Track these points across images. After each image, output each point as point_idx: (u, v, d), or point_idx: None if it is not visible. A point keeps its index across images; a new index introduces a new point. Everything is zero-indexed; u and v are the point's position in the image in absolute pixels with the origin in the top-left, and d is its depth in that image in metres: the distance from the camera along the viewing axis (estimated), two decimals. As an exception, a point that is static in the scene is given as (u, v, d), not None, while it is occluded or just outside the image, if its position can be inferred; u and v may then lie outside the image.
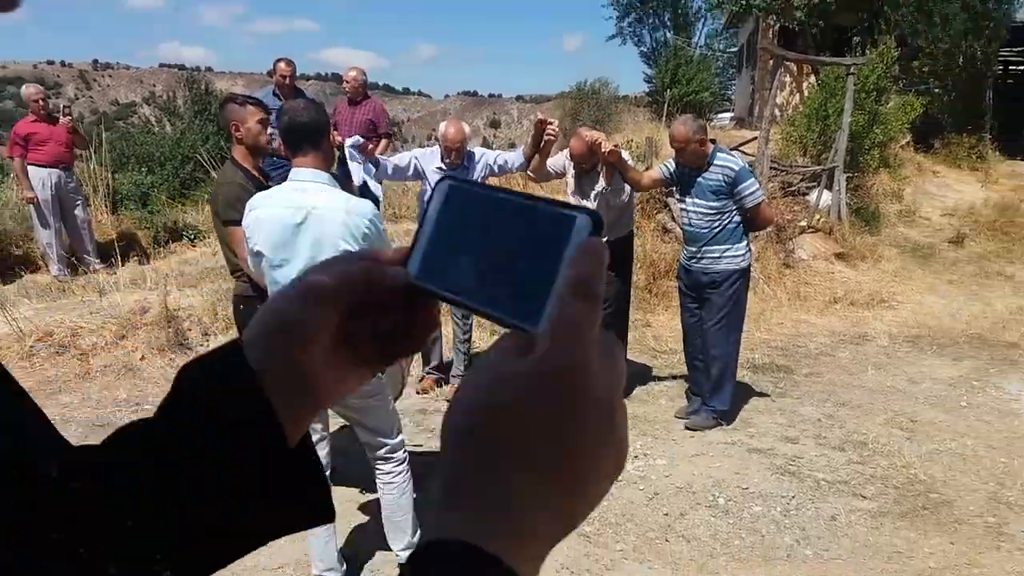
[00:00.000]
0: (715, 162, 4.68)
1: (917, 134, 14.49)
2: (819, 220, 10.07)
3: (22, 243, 8.75)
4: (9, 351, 5.64)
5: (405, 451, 3.16)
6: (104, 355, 5.71)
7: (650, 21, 30.62)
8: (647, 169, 5.45)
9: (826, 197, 10.38)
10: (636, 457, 4.50)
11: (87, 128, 10.84)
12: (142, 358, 5.69)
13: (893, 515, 3.89)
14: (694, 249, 4.86)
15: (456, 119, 5.22)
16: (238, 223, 3.34)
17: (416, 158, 5.08)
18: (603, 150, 4.75)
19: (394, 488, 3.10)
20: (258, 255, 2.83)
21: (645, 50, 30.58)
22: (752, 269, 5.12)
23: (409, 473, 3.15)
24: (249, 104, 3.62)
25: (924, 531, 3.74)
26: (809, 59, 13.06)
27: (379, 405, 3.04)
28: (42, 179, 7.51)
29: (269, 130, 3.69)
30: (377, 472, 3.13)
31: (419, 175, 5.08)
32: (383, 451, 3.08)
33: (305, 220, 2.69)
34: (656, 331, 7.01)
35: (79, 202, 7.80)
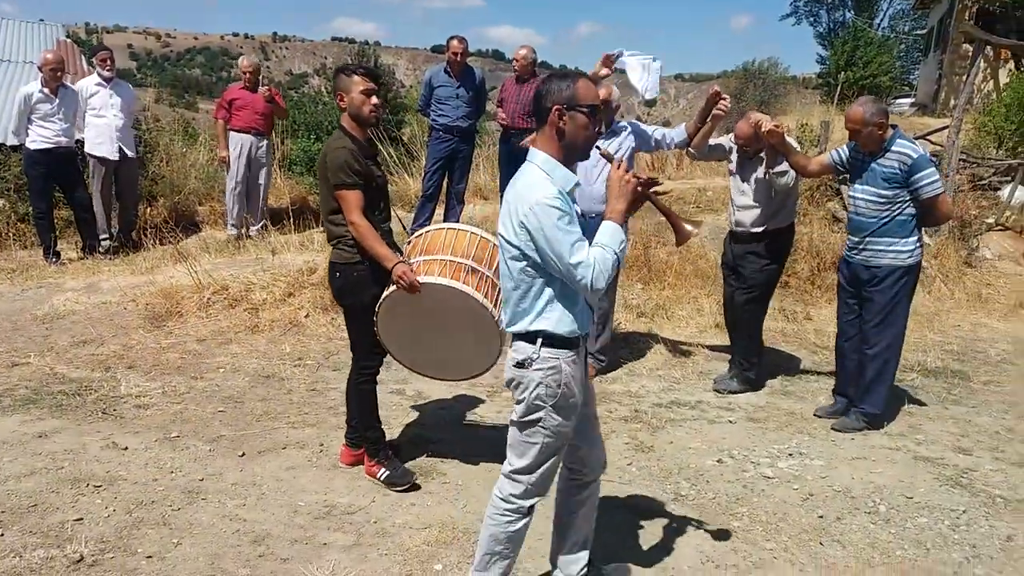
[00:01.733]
0: (892, 148, 4.35)
1: None
2: (1009, 217, 9.23)
3: (205, 201, 9.46)
4: (189, 301, 6.10)
5: (523, 501, 2.68)
6: (272, 310, 6.06)
7: (829, 0, 29.04)
8: (819, 155, 5.15)
9: (1020, 193, 9.49)
10: (791, 455, 4.30)
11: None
12: (307, 315, 6.00)
13: (1081, 544, 3.52)
14: (857, 239, 4.56)
15: (607, 84, 5.22)
16: (349, 187, 3.42)
17: None
18: (763, 129, 4.55)
19: (488, 521, 2.75)
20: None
21: (821, 30, 29.05)
22: (926, 267, 4.74)
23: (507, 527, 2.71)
24: (356, 75, 3.53)
25: (1118, 565, 3.35)
26: (1016, 44, 11.94)
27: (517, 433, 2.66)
28: (236, 142, 8.06)
29: (375, 100, 3.58)
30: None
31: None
32: (504, 468, 2.73)
33: (506, 201, 2.56)
34: (817, 325, 6.67)
35: (264, 168, 8.28)
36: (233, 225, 8.19)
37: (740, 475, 4.05)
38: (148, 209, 8.74)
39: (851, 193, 4.62)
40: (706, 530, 3.47)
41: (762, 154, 4.87)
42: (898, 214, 4.39)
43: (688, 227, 2.67)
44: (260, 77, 8.40)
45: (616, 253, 2.45)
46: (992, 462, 4.33)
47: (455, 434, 4.44)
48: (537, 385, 2.53)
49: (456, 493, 3.72)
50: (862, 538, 3.49)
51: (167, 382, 4.96)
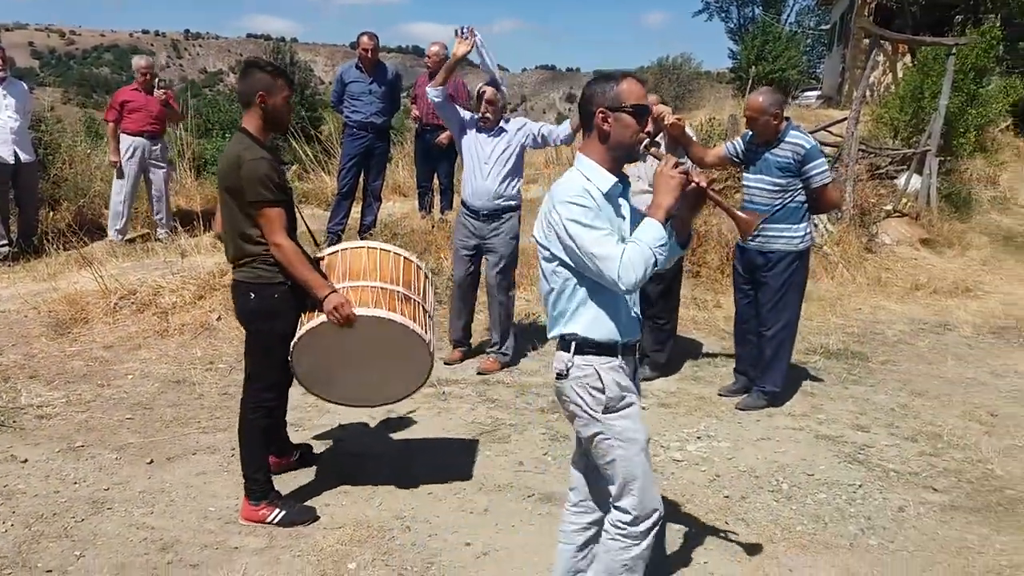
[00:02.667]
0: (786, 139, 4.55)
1: (1019, 118, 13.74)
2: (906, 204, 9.69)
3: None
4: (95, 307, 5.91)
5: (634, 527, 2.50)
6: (182, 314, 5.93)
7: (739, -3, 29.86)
8: (715, 147, 5.33)
9: (915, 181, 9.98)
10: (699, 438, 4.45)
11: (176, 94, 11.20)
12: (219, 318, 5.89)
13: (965, 510, 3.75)
14: None
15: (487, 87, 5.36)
16: (272, 203, 3.13)
17: (465, 116, 5.35)
18: (666, 122, 4.68)
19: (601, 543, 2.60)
20: None
21: (732, 26, 29.85)
22: (829, 253, 4.97)
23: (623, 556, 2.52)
24: (281, 79, 3.27)
25: (997, 528, 3.59)
26: (910, 39, 12.53)
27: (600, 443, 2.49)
28: (127, 146, 7.80)
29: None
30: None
31: (460, 126, 5.32)
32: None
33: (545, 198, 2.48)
34: (727, 312, 6.86)
35: (161, 171, 8.04)
36: (118, 231, 7.91)
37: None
38: (51, 214, 8.40)
39: (745, 182, 4.81)
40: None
41: (658, 140, 5.00)
42: (790, 201, 4.60)
43: (747, 217, 2.64)
44: (156, 81, 8.15)
45: (651, 249, 2.30)
46: (888, 438, 4.56)
47: (368, 434, 4.44)
48: (579, 396, 2.42)
49: (371, 493, 3.72)
50: (765, 515, 3.64)
51: (72, 391, 4.80)
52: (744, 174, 4.84)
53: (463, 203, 5.36)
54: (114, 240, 7.81)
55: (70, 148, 9.34)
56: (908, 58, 16.00)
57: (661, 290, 5.23)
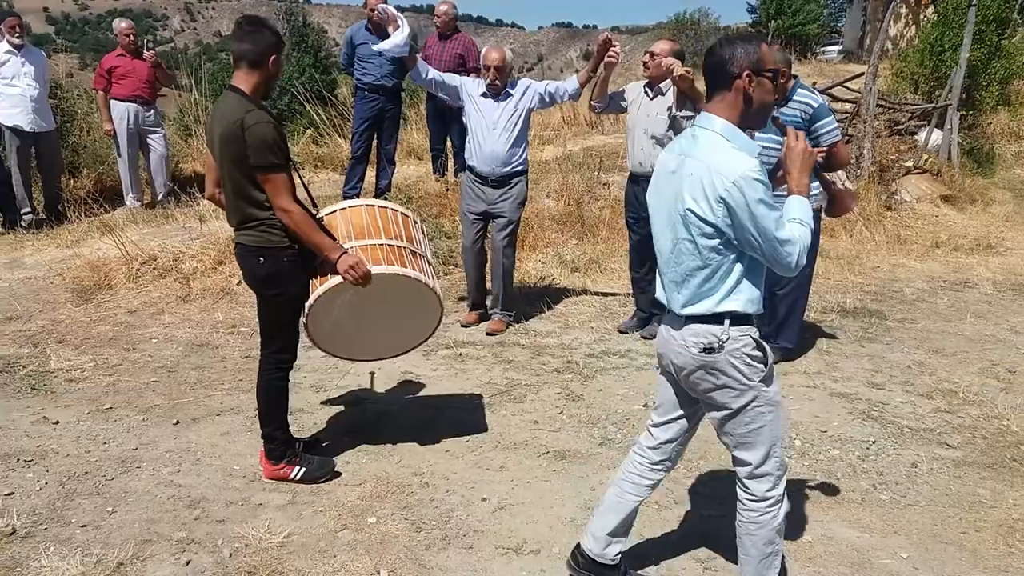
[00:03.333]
0: (794, 97, 4.51)
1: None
2: (927, 161, 9.56)
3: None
4: (118, 273, 6.01)
5: (777, 489, 2.50)
6: (203, 279, 6.02)
7: (757, -52, 29.19)
8: None
9: (936, 136, 9.83)
10: (714, 395, 4.49)
11: (190, 58, 11.17)
12: (239, 283, 5.96)
13: (979, 465, 3.78)
14: None
15: (499, 46, 5.29)
16: (279, 168, 3.11)
17: (463, 83, 5.28)
18: (676, 74, 4.65)
19: (749, 527, 2.54)
20: None
21: (750, -21, 29.21)
22: (853, 213, 4.95)
23: (775, 522, 2.50)
24: (281, 41, 3.23)
25: (1011, 483, 3.62)
26: (927, -12, 12.19)
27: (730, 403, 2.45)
28: (120, 112, 7.75)
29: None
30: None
31: (459, 97, 5.26)
32: (742, 473, 2.55)
33: (677, 169, 2.37)
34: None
35: (158, 136, 8.03)
36: (134, 197, 7.97)
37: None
38: (71, 181, 8.49)
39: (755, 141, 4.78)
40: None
41: (663, 91, 4.98)
42: None
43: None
44: (143, 41, 8.11)
45: (809, 229, 2.33)
46: (903, 395, 4.58)
47: (388, 394, 4.52)
48: (735, 367, 2.38)
49: (391, 450, 3.81)
50: (778, 471, 3.68)
51: (98, 355, 4.92)
52: (754, 132, 4.82)
53: (470, 168, 5.36)
54: (132, 208, 7.87)
55: (87, 115, 9.39)
56: (931, 10, 15.64)
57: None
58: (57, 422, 3.98)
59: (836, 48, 22.63)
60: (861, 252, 7.61)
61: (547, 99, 5.26)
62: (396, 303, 3.49)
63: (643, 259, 5.27)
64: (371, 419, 4.15)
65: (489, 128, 5.15)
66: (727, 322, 2.36)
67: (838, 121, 8.27)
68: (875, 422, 4.21)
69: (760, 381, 2.40)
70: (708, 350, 2.38)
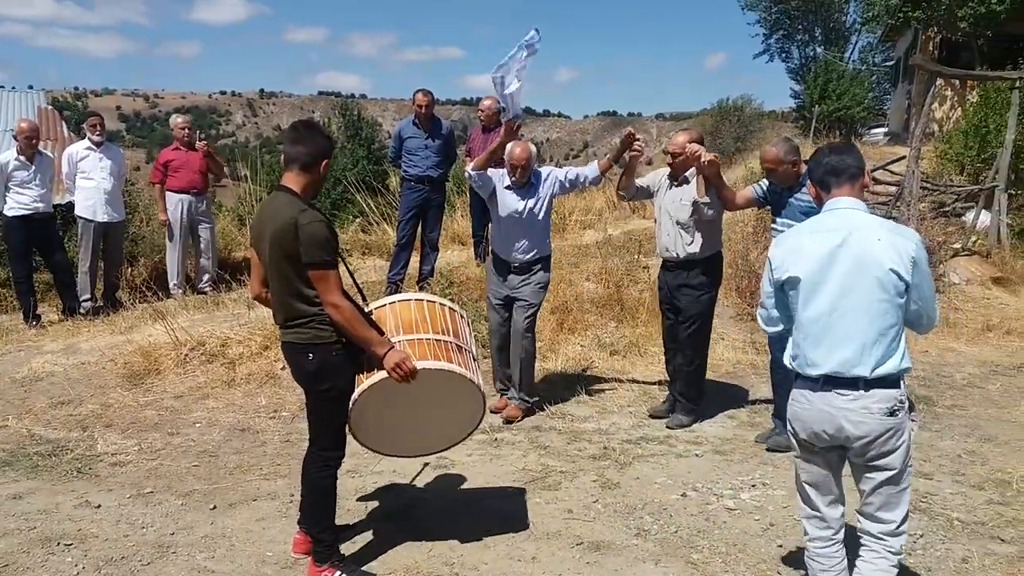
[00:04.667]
0: (807, 183, 4.55)
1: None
2: (975, 242, 9.42)
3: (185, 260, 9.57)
4: (167, 358, 6.20)
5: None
6: (249, 364, 6.16)
7: (799, 37, 29.69)
8: (742, 189, 5.40)
9: (984, 218, 9.71)
10: (754, 486, 4.39)
11: (251, 151, 11.69)
12: (283, 368, 6.08)
13: (1034, 561, 3.60)
14: None
15: (524, 142, 5.38)
16: (331, 265, 3.14)
17: (491, 174, 5.36)
18: (703, 160, 4.74)
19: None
20: (790, 282, 2.73)
21: (793, 66, 29.66)
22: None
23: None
24: (330, 142, 3.38)
25: (1069, 581, 3.44)
26: (964, 74, 12.28)
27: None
28: (174, 203, 8.19)
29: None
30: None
31: (490, 192, 5.35)
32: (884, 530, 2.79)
33: (844, 242, 2.60)
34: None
35: (207, 225, 8.43)
36: (176, 285, 8.29)
37: (703, 508, 4.13)
38: (129, 269, 8.86)
39: (774, 226, 4.86)
40: (664, 564, 3.55)
41: (688, 179, 5.06)
42: None
43: None
44: (197, 134, 8.55)
45: None
46: (952, 485, 4.42)
47: (422, 480, 4.51)
48: (910, 431, 2.55)
49: (422, 539, 3.77)
50: (819, 564, 3.55)
51: (143, 439, 5.03)
52: (774, 217, 4.90)
53: (494, 254, 5.47)
54: (175, 295, 8.16)
55: (147, 207, 9.84)
56: (975, 93, 15.64)
57: (694, 329, 5.23)
58: (99, 506, 4.07)
59: (882, 130, 22.65)
60: (909, 335, 7.37)
61: (567, 185, 5.40)
62: (439, 398, 3.49)
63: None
64: (405, 506, 4.15)
65: (514, 219, 5.27)
66: (903, 383, 2.56)
67: (881, 204, 8.28)
68: (923, 514, 4.05)
69: (913, 442, 2.61)
70: (892, 412, 2.52)
